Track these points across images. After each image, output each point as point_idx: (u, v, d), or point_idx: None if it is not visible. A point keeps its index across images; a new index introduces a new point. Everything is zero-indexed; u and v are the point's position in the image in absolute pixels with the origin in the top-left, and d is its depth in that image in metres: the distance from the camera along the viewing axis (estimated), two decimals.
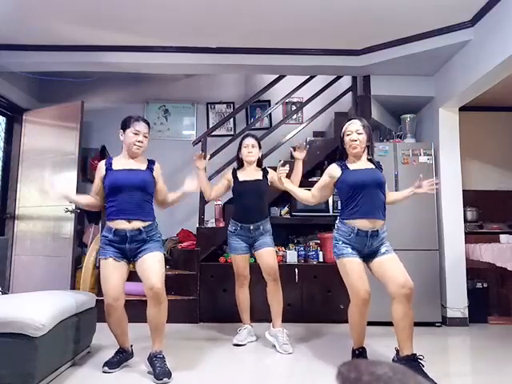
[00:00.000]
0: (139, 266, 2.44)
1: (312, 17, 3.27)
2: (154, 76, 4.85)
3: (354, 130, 2.50)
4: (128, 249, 2.44)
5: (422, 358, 2.31)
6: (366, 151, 2.57)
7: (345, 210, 2.50)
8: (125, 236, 2.42)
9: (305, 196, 2.76)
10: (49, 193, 2.47)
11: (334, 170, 2.56)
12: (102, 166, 2.56)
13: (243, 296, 3.17)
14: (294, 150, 3.08)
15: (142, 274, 2.42)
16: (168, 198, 2.68)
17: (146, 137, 2.55)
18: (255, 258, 3.18)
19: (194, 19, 3.34)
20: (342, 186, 2.53)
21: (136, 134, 2.51)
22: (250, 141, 3.17)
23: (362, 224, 2.41)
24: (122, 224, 2.42)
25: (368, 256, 2.46)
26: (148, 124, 2.60)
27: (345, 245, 2.44)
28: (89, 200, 2.63)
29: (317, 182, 4.20)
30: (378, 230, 2.42)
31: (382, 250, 2.42)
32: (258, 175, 3.14)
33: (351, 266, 2.40)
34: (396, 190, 3.86)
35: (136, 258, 2.45)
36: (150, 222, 2.50)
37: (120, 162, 2.54)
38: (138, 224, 2.44)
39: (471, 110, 4.31)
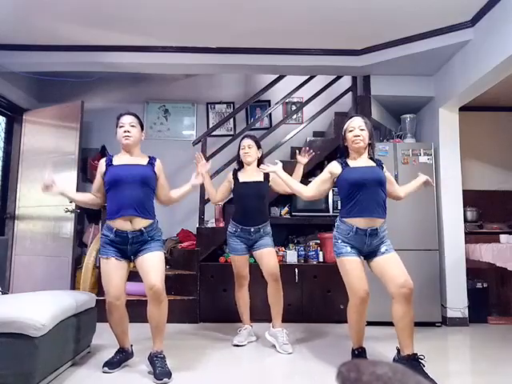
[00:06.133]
0: (139, 265, 2.45)
1: (312, 16, 3.27)
2: (154, 76, 4.86)
3: (357, 126, 2.50)
4: (129, 250, 2.46)
5: (422, 357, 2.31)
6: (368, 150, 2.57)
7: (344, 207, 2.50)
8: (126, 237, 2.42)
9: (299, 188, 2.64)
10: (49, 188, 2.47)
11: (334, 167, 2.56)
12: (102, 162, 2.58)
13: (243, 297, 3.16)
14: (299, 153, 3.06)
15: (142, 272, 2.43)
16: (173, 195, 2.67)
17: (133, 126, 2.55)
18: (255, 259, 3.17)
19: (194, 19, 3.34)
20: (341, 184, 2.52)
21: (122, 126, 2.54)
22: (246, 141, 3.16)
23: (361, 223, 2.41)
24: (123, 224, 2.42)
25: (368, 255, 2.46)
26: (135, 115, 2.60)
27: (344, 244, 2.44)
28: (88, 198, 2.62)
29: None
30: (377, 229, 2.41)
31: (382, 249, 2.42)
32: (259, 177, 3.12)
33: (350, 266, 2.40)
34: None
35: (136, 257, 2.46)
36: (151, 221, 2.49)
37: (120, 159, 2.56)
38: (139, 224, 2.43)
39: (471, 109, 4.31)
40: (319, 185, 2.61)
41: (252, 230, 3.04)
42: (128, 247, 2.44)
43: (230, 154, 4.24)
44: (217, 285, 3.85)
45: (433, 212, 3.89)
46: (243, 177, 3.13)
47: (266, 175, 3.12)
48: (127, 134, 2.52)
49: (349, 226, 2.43)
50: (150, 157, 2.62)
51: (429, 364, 2.32)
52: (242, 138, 3.22)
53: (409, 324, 2.32)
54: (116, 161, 2.54)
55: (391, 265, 2.38)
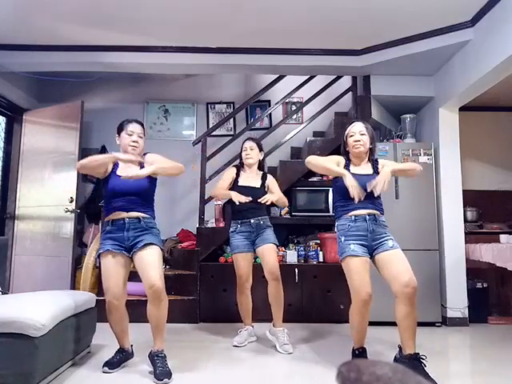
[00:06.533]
0: (137, 262, 2.43)
1: (312, 16, 3.27)
2: (154, 76, 4.86)
3: (358, 132, 2.54)
4: (126, 237, 2.44)
5: (424, 357, 2.31)
6: (369, 155, 2.60)
7: (339, 208, 2.56)
8: (123, 224, 2.44)
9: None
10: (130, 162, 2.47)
11: (341, 163, 2.60)
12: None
13: (245, 302, 3.15)
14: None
15: (140, 271, 2.42)
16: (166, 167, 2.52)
17: (140, 137, 2.55)
18: (255, 258, 3.17)
19: (194, 19, 3.34)
20: (339, 185, 2.57)
21: (130, 134, 2.53)
22: (248, 143, 3.19)
23: (358, 212, 2.47)
24: (119, 214, 2.45)
25: (374, 247, 2.45)
26: (142, 125, 2.61)
27: (347, 241, 2.44)
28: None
29: (317, 181, 4.25)
30: (375, 215, 2.46)
31: (390, 243, 2.42)
32: (257, 182, 3.15)
33: (354, 266, 2.40)
34: (396, 190, 3.88)
35: (135, 249, 2.43)
36: (149, 216, 2.52)
37: (121, 167, 2.54)
38: (135, 214, 2.46)
39: (471, 109, 4.31)
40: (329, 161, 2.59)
41: (252, 221, 3.07)
42: (125, 234, 2.43)
43: (230, 154, 4.24)
44: (217, 285, 3.85)
45: (433, 212, 3.89)
46: (243, 179, 3.16)
47: (263, 181, 3.16)
48: (135, 144, 2.53)
49: (348, 219, 2.48)
50: (140, 162, 2.54)
51: (429, 364, 2.31)
52: (245, 140, 3.24)
53: (411, 324, 2.32)
54: (119, 169, 2.52)
55: (396, 263, 2.37)
